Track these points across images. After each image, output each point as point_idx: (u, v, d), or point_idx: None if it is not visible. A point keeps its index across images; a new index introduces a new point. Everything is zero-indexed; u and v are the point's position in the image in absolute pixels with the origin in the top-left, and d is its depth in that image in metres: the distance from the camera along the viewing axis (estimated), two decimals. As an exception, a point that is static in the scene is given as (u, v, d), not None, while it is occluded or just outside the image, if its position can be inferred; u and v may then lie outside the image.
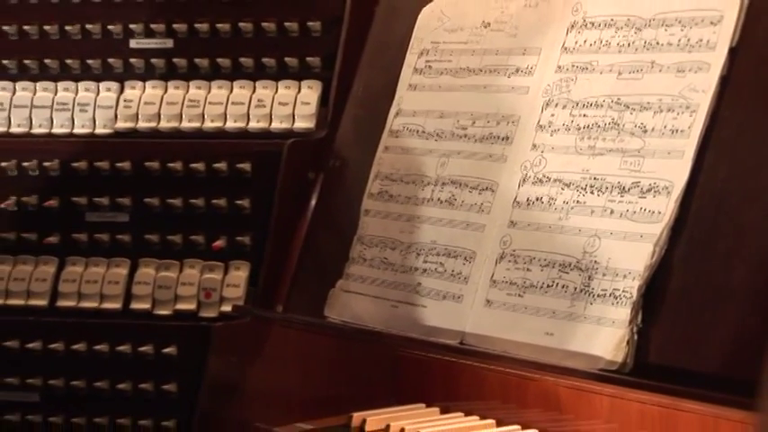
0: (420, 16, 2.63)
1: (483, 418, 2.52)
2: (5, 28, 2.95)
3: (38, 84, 2.94)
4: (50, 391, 2.75)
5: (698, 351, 2.04)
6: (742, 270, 2.02)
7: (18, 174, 2.86)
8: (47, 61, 2.94)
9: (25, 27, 2.94)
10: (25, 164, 2.86)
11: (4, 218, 2.86)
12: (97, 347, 2.73)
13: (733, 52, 2.12)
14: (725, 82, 2.11)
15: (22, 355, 2.77)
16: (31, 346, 2.76)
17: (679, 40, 2.19)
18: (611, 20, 2.30)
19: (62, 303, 2.81)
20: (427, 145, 2.52)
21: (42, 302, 2.81)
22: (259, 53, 2.83)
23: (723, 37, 2.13)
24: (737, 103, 2.10)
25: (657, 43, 2.22)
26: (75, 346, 2.74)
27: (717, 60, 2.12)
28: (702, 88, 2.13)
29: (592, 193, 2.22)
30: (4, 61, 2.96)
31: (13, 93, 2.95)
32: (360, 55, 2.73)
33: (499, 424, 2.49)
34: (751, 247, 2.02)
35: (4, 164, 2.87)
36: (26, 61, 2.95)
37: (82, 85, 2.92)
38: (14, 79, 2.95)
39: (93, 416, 2.72)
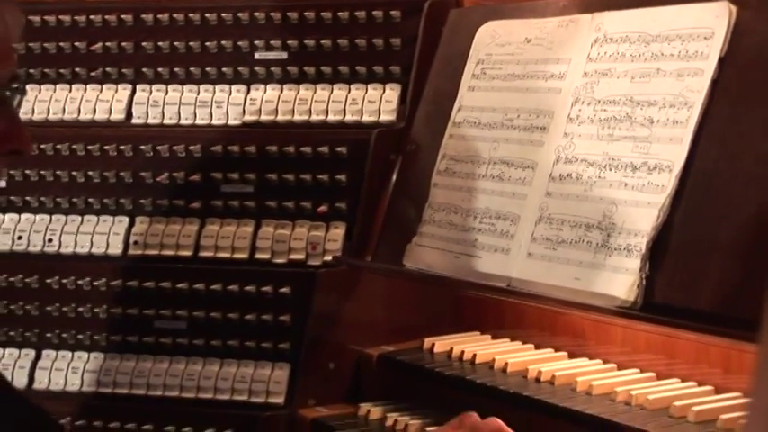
0: (477, 34, 2.63)
1: (524, 343, 2.55)
2: (160, 44, 2.97)
3: (185, 86, 2.97)
4: (194, 320, 2.77)
5: (692, 293, 2.04)
6: (728, 231, 2.02)
7: (170, 155, 2.89)
8: (191, 69, 2.97)
9: (175, 43, 2.98)
10: (175, 147, 2.88)
11: (160, 189, 2.88)
12: (229, 287, 2.75)
13: (722, 61, 2.12)
14: (715, 84, 2.12)
15: (173, 293, 2.79)
16: (179, 286, 2.79)
17: (679, 52, 2.18)
18: (626, 36, 2.30)
19: (203, 254, 2.83)
20: (482, 133, 2.53)
21: (188, 253, 2.84)
22: (353, 63, 2.85)
23: (714, 49, 2.13)
24: (725, 101, 2.10)
25: (662, 54, 2.22)
26: (213, 287, 2.76)
27: (709, 67, 2.12)
28: (697, 89, 2.13)
29: (610, 170, 2.22)
30: (159, 69, 2.98)
31: (166, 93, 2.98)
32: (430, 64, 2.74)
33: (536, 348, 2.52)
34: (734, 212, 2.02)
35: (159, 147, 2.89)
36: (176, 69, 2.98)
37: (218, 87, 2.95)
38: (167, 83, 2.98)
39: (226, 339, 2.74)
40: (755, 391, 0.74)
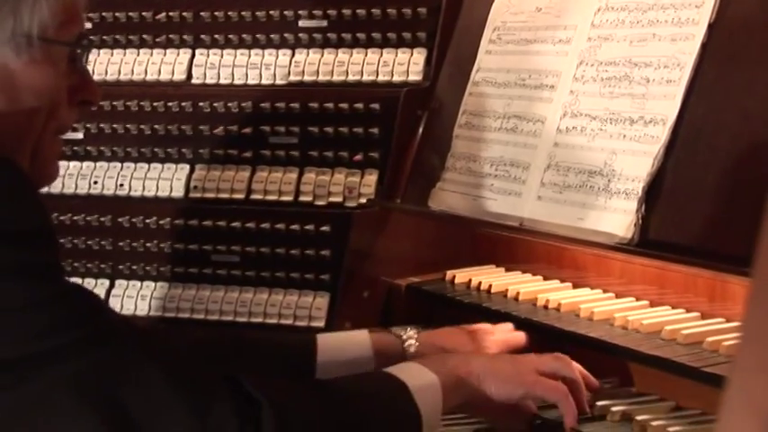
0: (494, 5, 2.62)
1: (533, 275, 2.55)
2: (216, 13, 2.97)
3: (237, 51, 2.95)
4: (246, 255, 2.78)
5: (682, 231, 2.04)
6: (713, 176, 2.02)
7: (224, 111, 2.89)
8: (243, 36, 2.95)
9: (229, 13, 2.96)
10: (229, 104, 2.88)
11: (216, 140, 2.89)
12: (277, 226, 2.75)
13: (711, 27, 2.10)
14: (704, 48, 2.11)
15: (228, 230, 2.80)
16: (233, 225, 2.79)
17: (672, 19, 2.17)
18: (626, 5, 2.29)
19: (253, 197, 2.83)
20: (498, 91, 2.52)
21: (241, 196, 2.84)
22: (385, 30, 2.82)
23: (704, 16, 2.11)
24: (713, 62, 2.09)
25: (657, 21, 2.20)
26: (262, 225, 2.76)
27: (699, 32, 2.11)
28: (688, 52, 2.12)
29: (611, 123, 2.21)
30: (215, 36, 2.97)
31: (221, 57, 2.97)
32: (452, 31, 2.72)
33: (544, 279, 2.52)
34: (719, 160, 2.02)
35: (215, 104, 2.89)
36: (230, 36, 2.97)
37: (266, 51, 2.93)
38: (222, 48, 2.98)
39: (274, 271, 2.75)
40: (748, 317, 0.73)
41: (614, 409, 2.00)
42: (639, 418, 1.95)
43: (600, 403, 2.03)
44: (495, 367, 1.91)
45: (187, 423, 1.52)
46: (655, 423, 1.93)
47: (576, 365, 2.02)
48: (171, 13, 3.02)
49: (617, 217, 2.12)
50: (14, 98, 1.63)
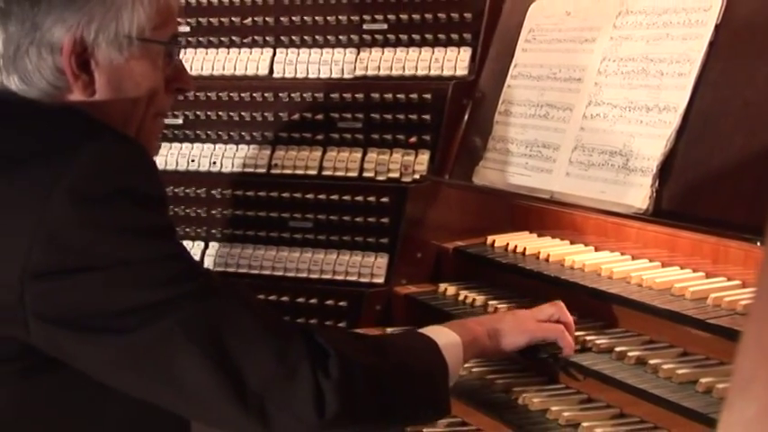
0: (529, 10, 2.59)
1: (561, 240, 2.53)
2: (293, 18, 2.97)
3: (311, 50, 2.95)
4: (318, 221, 2.78)
5: (690, 202, 2.03)
6: (718, 158, 1.99)
7: (300, 100, 2.89)
8: (316, 37, 2.95)
9: (305, 18, 2.96)
10: (304, 95, 2.89)
11: (293, 125, 2.90)
12: (344, 197, 2.75)
13: (717, 28, 2.07)
14: (712, 46, 2.07)
15: (302, 201, 2.81)
16: (307, 196, 2.80)
17: (684, 21, 2.13)
18: (643, 9, 2.25)
19: (324, 173, 2.83)
20: (532, 83, 2.49)
21: (314, 172, 2.84)
22: (436, 32, 2.80)
23: (711, 18, 2.07)
24: (718, 58, 2.06)
25: (671, 23, 2.16)
26: (332, 197, 2.77)
27: (707, 32, 2.07)
28: (697, 49, 2.08)
29: (630, 111, 2.18)
30: (293, 37, 2.97)
31: (298, 55, 2.97)
32: (494, 32, 2.69)
33: (571, 243, 2.50)
34: (723, 142, 1.99)
35: (292, 95, 2.90)
36: (305, 37, 2.96)
37: (336, 50, 2.92)
38: (298, 47, 2.98)
39: (341, 236, 2.75)
40: (763, 275, 0.70)
41: (630, 353, 1.99)
42: (652, 361, 1.94)
43: (618, 349, 2.02)
44: (502, 324, 2.00)
45: (271, 362, 1.55)
46: (665, 366, 1.91)
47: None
48: (256, 18, 3.01)
49: (634, 190, 2.10)
50: (119, 88, 1.68)
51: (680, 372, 1.88)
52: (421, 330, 1.89)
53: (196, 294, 1.53)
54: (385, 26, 2.87)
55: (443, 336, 1.86)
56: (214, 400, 1.52)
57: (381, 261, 2.67)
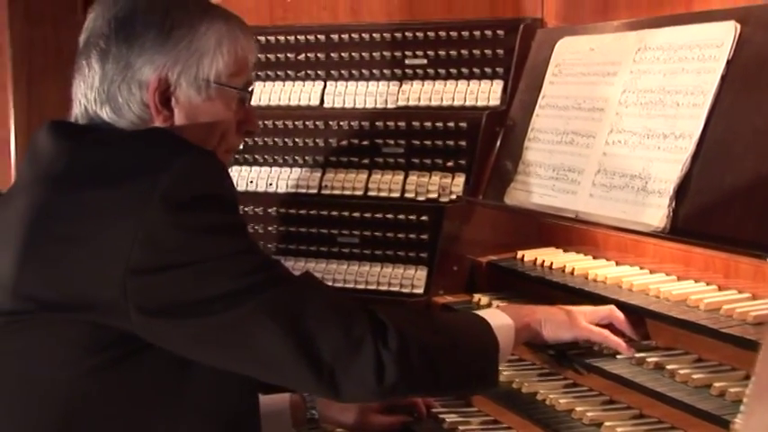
0: (556, 46, 2.57)
1: (585, 255, 2.51)
2: (342, 54, 2.98)
3: (359, 82, 2.95)
4: (363, 237, 2.78)
5: (703, 222, 2.00)
6: (730, 181, 1.97)
7: (348, 128, 2.90)
8: (363, 71, 2.96)
9: (353, 53, 2.97)
10: (352, 123, 2.89)
11: (341, 150, 2.90)
12: (387, 216, 2.74)
13: (729, 63, 2.04)
14: (723, 79, 2.04)
15: (350, 219, 2.80)
16: (354, 214, 2.80)
17: (698, 56, 2.11)
18: (660, 46, 2.23)
19: (370, 194, 2.83)
20: (559, 113, 2.48)
21: (360, 193, 2.84)
22: (471, 66, 2.80)
23: (723, 54, 2.05)
24: (730, 90, 2.04)
25: (686, 58, 2.15)
26: (376, 215, 2.75)
27: (719, 67, 2.05)
28: (710, 82, 2.06)
29: (648, 138, 2.17)
30: (342, 71, 2.98)
31: (346, 87, 2.97)
32: (523, 66, 2.68)
33: (594, 258, 2.47)
34: (735, 167, 1.97)
35: (341, 123, 2.90)
36: (353, 71, 2.97)
37: (380, 83, 2.93)
38: (347, 80, 2.99)
39: (385, 250, 2.75)
40: None
41: (649, 359, 1.96)
42: (670, 367, 1.91)
43: (638, 355, 2.00)
44: (554, 316, 2.02)
45: (339, 336, 1.62)
46: (682, 371, 1.88)
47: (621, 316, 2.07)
48: (309, 55, 3.03)
49: (652, 210, 2.07)
50: (195, 124, 1.75)
51: (695, 376, 1.85)
52: (477, 311, 1.95)
53: (272, 281, 1.61)
54: (425, 61, 2.87)
55: (498, 318, 1.90)
56: (292, 370, 1.61)
57: (421, 273, 2.66)
